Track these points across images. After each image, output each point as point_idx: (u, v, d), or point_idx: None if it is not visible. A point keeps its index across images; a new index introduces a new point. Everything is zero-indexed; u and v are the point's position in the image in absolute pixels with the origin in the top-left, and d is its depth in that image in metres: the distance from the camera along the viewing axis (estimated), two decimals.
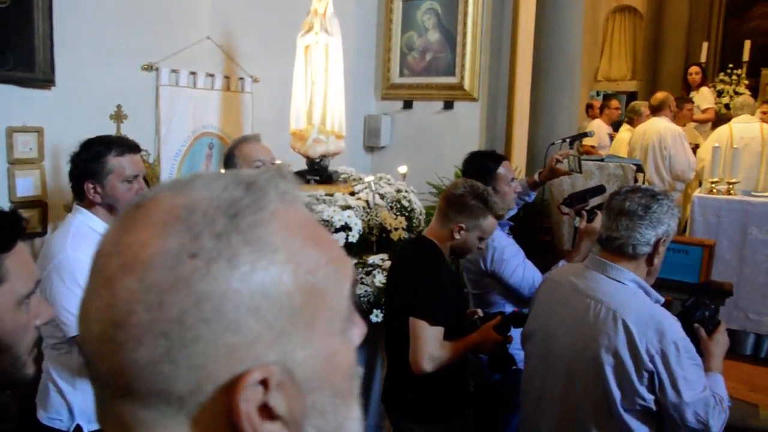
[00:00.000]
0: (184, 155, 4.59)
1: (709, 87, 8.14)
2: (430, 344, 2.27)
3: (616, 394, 1.85)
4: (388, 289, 2.64)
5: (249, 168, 2.71)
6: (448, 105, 5.18)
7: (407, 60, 5.39)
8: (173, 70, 4.43)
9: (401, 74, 5.42)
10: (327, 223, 3.34)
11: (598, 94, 10.00)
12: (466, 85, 5.06)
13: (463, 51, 5.09)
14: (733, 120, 5.89)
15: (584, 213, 2.80)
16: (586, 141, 6.49)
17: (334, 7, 3.92)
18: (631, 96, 10.19)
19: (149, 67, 4.28)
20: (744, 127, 5.81)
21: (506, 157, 3.00)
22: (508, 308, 2.82)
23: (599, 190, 2.88)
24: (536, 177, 3.26)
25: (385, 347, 2.66)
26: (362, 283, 3.21)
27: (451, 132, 5.10)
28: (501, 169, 2.88)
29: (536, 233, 4.51)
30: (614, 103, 7.86)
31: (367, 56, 5.44)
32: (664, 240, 1.95)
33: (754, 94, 8.65)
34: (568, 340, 1.95)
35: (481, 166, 2.87)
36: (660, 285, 3.72)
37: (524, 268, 2.74)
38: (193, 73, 4.57)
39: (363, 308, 3.20)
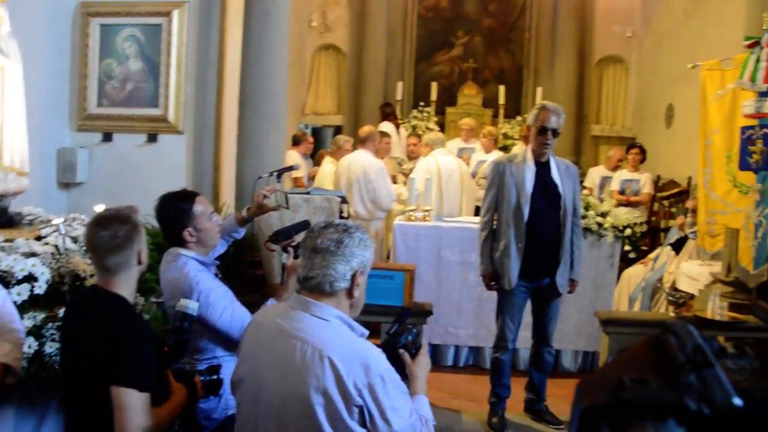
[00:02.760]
0: None
1: (392, 122, 8.86)
2: (140, 414, 2.06)
3: None
4: (67, 352, 2.37)
5: None
6: (152, 138, 4.91)
7: (106, 89, 5.00)
8: None
9: (99, 104, 5.00)
10: (7, 274, 2.90)
11: (306, 127, 10.36)
12: (171, 117, 4.84)
13: (167, 82, 4.86)
14: (436, 153, 6.45)
15: (290, 249, 2.80)
16: (295, 174, 6.64)
17: (16, 26, 3.47)
18: (338, 129, 10.75)
19: None
20: (446, 159, 6.43)
21: (198, 193, 2.88)
22: (219, 353, 2.71)
23: (304, 225, 2.90)
24: (244, 213, 3.20)
25: (66, 414, 2.37)
26: (53, 341, 2.83)
27: (156, 166, 4.83)
28: (197, 207, 2.76)
29: (247, 268, 4.46)
30: (310, 138, 8.54)
31: (60, 84, 4.93)
32: (361, 271, 1.99)
33: (442, 129, 9.70)
34: (277, 384, 1.89)
35: (176, 209, 2.73)
36: (368, 311, 3.91)
37: (233, 310, 2.64)
38: None
39: (57, 368, 2.83)
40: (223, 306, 2.64)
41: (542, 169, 4.03)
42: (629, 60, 11.07)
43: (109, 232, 2.24)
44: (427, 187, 5.56)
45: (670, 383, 0.52)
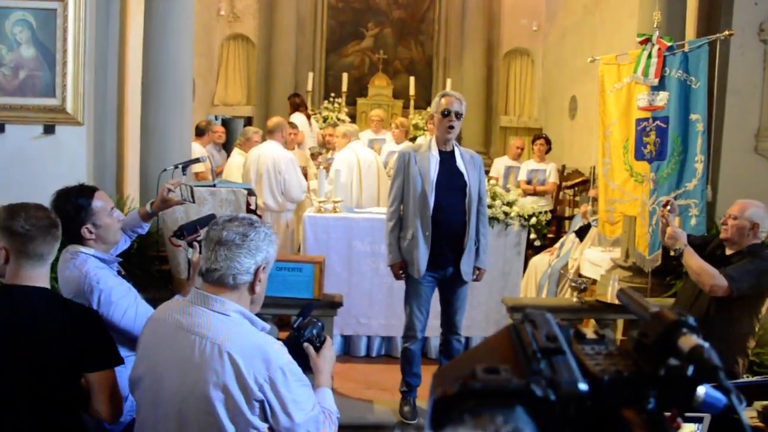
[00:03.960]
0: None
1: (303, 113, 8.78)
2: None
3: (230, 429, 1.82)
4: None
5: None
6: (49, 129, 4.68)
7: None
8: None
9: None
10: None
11: (216, 118, 10.13)
12: (69, 107, 4.62)
13: (64, 70, 4.64)
14: (353, 144, 6.41)
15: (196, 244, 2.74)
16: (197, 168, 6.40)
17: None
18: (248, 120, 10.58)
19: None
20: (364, 151, 6.41)
21: (97, 188, 2.77)
22: (124, 352, 2.62)
23: (210, 219, 2.84)
24: (148, 208, 3.11)
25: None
26: None
27: (55, 159, 4.61)
28: (96, 202, 2.65)
29: (152, 263, 4.34)
30: (218, 128, 8.15)
31: None
32: (264, 267, 1.98)
33: (353, 120, 9.71)
34: (177, 381, 1.86)
35: (73, 205, 2.62)
36: (278, 304, 3.88)
37: (136, 308, 2.56)
38: None
39: None
40: (126, 304, 2.56)
41: (447, 157, 4.09)
42: (535, 53, 11.41)
43: (50, 218, 2.23)
44: (337, 177, 5.55)
45: (521, 372, 0.54)
